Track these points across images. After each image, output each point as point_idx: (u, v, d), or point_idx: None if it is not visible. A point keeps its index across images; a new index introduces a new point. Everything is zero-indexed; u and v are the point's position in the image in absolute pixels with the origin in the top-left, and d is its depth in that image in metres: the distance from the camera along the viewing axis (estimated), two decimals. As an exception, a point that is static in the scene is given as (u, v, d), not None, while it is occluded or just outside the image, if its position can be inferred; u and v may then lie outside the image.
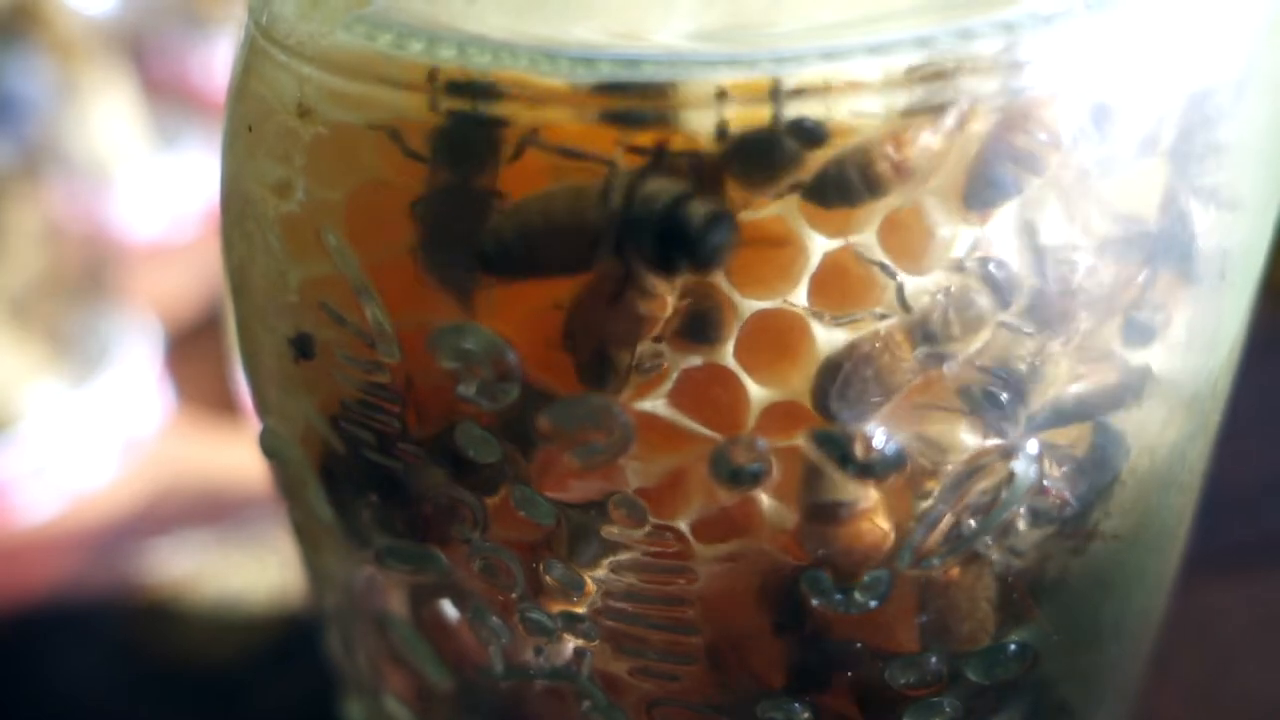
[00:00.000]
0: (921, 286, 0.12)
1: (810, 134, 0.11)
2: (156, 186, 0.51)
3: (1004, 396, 0.13)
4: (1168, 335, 0.13)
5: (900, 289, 0.12)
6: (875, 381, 0.12)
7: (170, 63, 0.57)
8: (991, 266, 0.12)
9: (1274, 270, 0.16)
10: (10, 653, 0.31)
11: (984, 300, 0.12)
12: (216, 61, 0.55)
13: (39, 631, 0.32)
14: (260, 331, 0.15)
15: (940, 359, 0.12)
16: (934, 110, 0.11)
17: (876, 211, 0.12)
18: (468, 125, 0.12)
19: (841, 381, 0.12)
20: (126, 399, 0.39)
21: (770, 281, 0.12)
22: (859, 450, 0.12)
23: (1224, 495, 0.21)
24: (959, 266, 0.12)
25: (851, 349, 0.12)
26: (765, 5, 0.12)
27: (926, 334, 0.12)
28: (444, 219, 0.12)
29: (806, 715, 0.14)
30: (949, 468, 0.13)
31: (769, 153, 0.11)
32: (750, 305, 0.12)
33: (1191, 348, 0.14)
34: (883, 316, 0.12)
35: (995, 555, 0.14)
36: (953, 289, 0.12)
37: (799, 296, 0.12)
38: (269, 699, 0.29)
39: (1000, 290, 0.12)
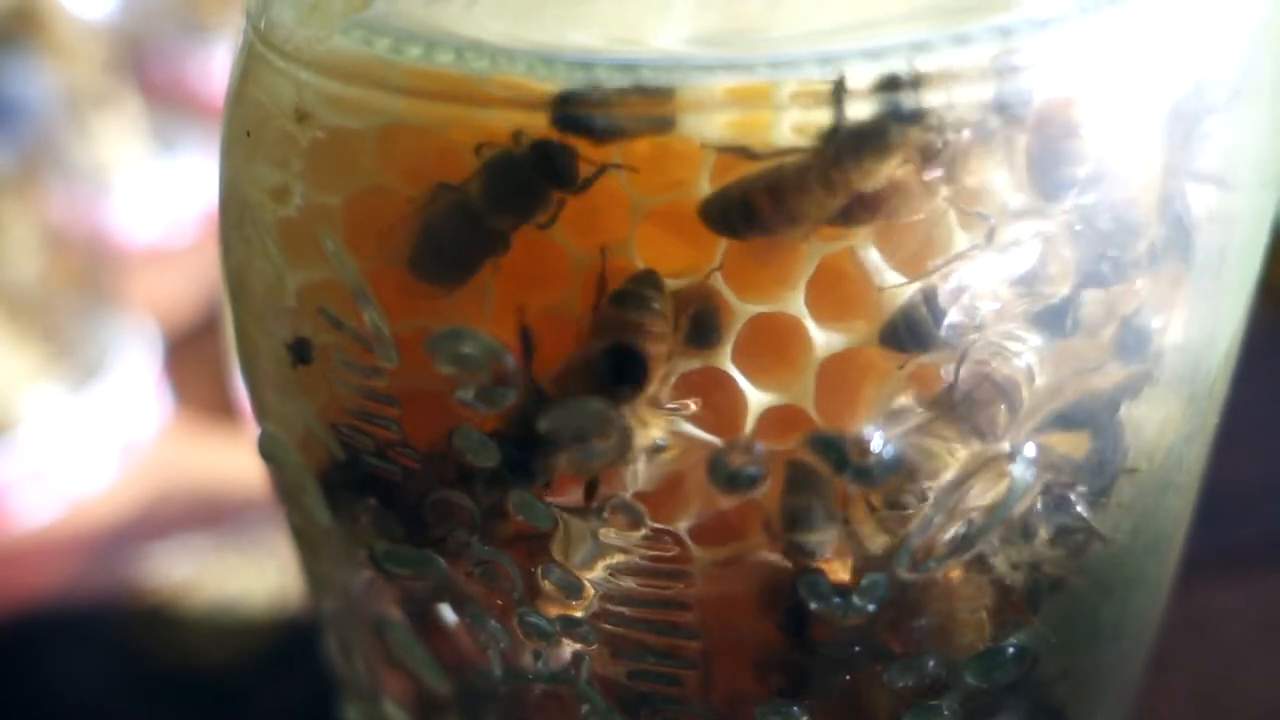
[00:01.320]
0: (1012, 234, 0.12)
1: (911, 117, 0.11)
2: (155, 191, 0.51)
3: (1002, 401, 0.13)
4: (1165, 337, 0.13)
5: (992, 231, 0.12)
6: (967, 309, 0.12)
7: (169, 68, 0.57)
8: (1076, 233, 0.12)
9: (1271, 271, 0.16)
10: (9, 656, 0.31)
11: (1066, 259, 0.12)
12: (215, 66, 0.55)
13: (38, 635, 0.32)
14: (258, 336, 0.15)
15: (1035, 300, 0.12)
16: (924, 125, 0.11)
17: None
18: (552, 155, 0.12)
19: (926, 308, 0.12)
20: (125, 403, 0.39)
21: (767, 285, 0.12)
22: (855, 454, 0.12)
23: (1224, 495, 0.21)
24: (1047, 214, 0.12)
25: (942, 281, 0.12)
26: (762, 10, 0.12)
27: (1023, 276, 0.12)
28: (463, 233, 0.12)
29: (805, 719, 0.14)
30: (946, 472, 0.13)
31: (882, 137, 0.11)
32: (748, 309, 0.12)
33: (1188, 349, 0.14)
34: (961, 257, 0.12)
35: (992, 559, 0.14)
36: (1046, 235, 0.12)
37: (796, 300, 0.12)
38: (267, 703, 0.29)
39: (1082, 257, 0.12)
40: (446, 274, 0.13)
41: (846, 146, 0.11)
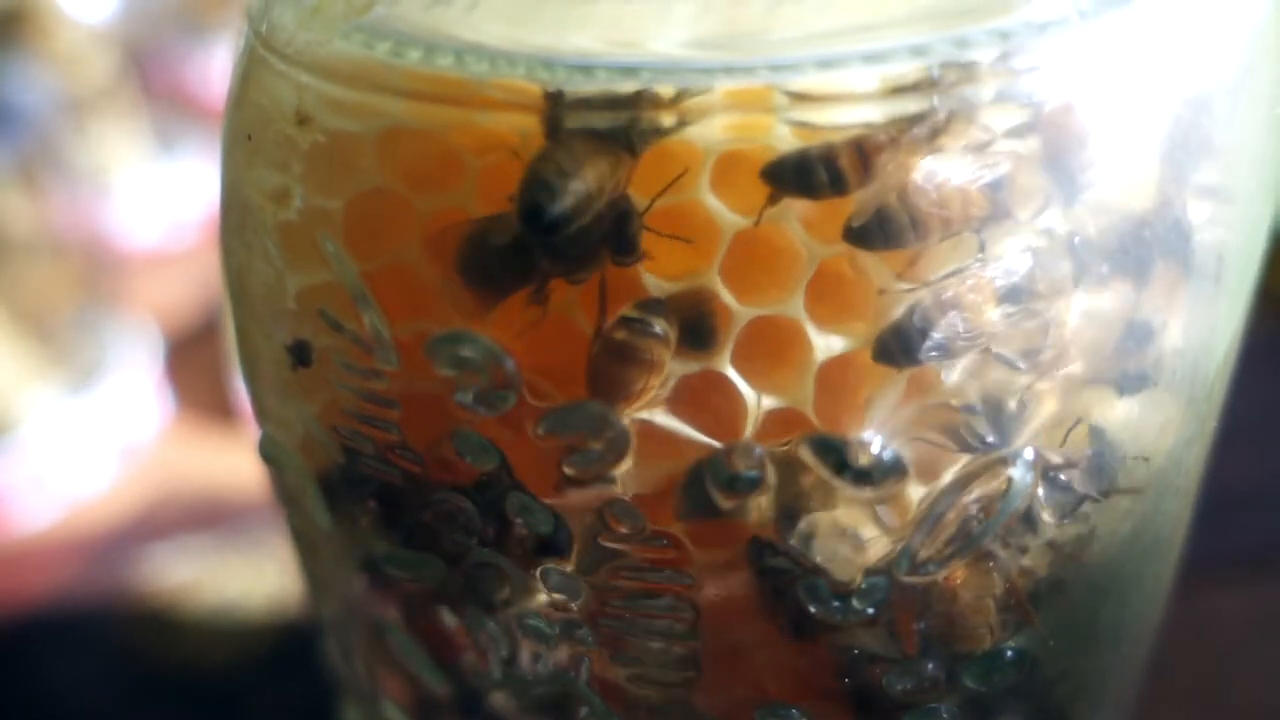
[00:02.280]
0: (1007, 246, 0.12)
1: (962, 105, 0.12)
2: (155, 194, 0.51)
3: (1003, 405, 0.13)
4: (1164, 341, 0.13)
5: (983, 243, 0.12)
6: (962, 321, 0.12)
7: (169, 71, 0.57)
8: (1076, 239, 0.12)
9: (1270, 276, 0.16)
10: (9, 658, 0.31)
11: (1066, 266, 0.12)
12: (215, 69, 0.55)
13: (37, 638, 0.32)
14: (259, 338, 0.15)
15: (1022, 315, 0.12)
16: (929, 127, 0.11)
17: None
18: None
19: (921, 320, 0.12)
20: (125, 406, 0.39)
21: (766, 289, 0.12)
22: (856, 457, 0.12)
23: (1224, 499, 0.21)
24: (1047, 233, 0.12)
25: (936, 294, 0.12)
26: (761, 13, 0.12)
27: (1012, 289, 0.12)
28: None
29: (804, 721, 0.14)
30: (946, 475, 0.13)
31: (970, 116, 0.12)
32: (746, 312, 0.12)
33: (1187, 353, 0.14)
34: (961, 270, 0.12)
35: (996, 560, 0.14)
36: (1038, 249, 0.12)
37: (795, 304, 0.12)
38: (267, 705, 0.29)
39: (1081, 262, 0.12)
40: (489, 288, 0.13)
41: (939, 120, 0.12)
